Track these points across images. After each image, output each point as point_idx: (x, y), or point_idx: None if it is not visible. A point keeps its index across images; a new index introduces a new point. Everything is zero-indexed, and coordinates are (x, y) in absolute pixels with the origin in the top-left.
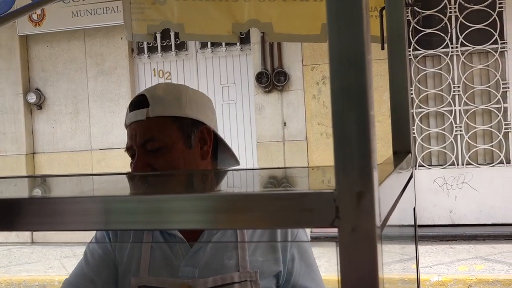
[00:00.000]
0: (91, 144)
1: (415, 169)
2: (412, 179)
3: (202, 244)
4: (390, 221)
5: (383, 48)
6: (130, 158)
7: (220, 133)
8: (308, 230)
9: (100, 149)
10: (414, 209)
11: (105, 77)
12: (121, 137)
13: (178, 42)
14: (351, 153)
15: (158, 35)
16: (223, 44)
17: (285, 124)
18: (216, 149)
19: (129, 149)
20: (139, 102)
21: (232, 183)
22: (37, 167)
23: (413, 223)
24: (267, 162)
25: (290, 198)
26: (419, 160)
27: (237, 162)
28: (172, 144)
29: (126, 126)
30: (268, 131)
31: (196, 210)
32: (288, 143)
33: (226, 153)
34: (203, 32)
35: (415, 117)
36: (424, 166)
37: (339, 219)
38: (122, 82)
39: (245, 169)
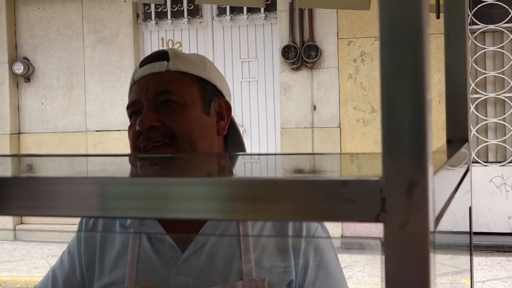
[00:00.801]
0: (86, 124)
1: None
2: (469, 173)
3: (196, 248)
4: (442, 222)
5: (438, 17)
6: (129, 139)
7: (238, 116)
8: (338, 229)
9: (97, 131)
10: (470, 209)
11: (104, 46)
12: (122, 117)
13: (191, 8)
14: (403, 135)
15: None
16: (245, 11)
17: (315, 107)
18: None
19: (133, 104)
20: (157, 55)
21: (251, 168)
22: (23, 149)
23: (467, 229)
24: (293, 152)
25: (327, 185)
26: (473, 155)
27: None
28: (190, 103)
29: (134, 82)
30: (295, 116)
31: (210, 196)
32: (318, 131)
33: (235, 142)
34: None
35: (470, 104)
36: (480, 163)
37: (385, 213)
38: (124, 53)
39: (267, 154)
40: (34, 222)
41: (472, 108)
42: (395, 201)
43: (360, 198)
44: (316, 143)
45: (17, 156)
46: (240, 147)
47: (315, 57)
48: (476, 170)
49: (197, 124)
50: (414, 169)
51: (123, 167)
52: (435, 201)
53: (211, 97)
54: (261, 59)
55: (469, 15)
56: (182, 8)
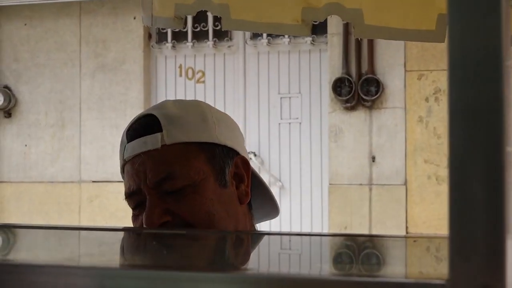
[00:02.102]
0: (81, 173)
1: None
2: None
3: None
4: None
5: None
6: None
7: (274, 168)
8: None
9: (94, 182)
10: None
11: (107, 74)
12: None
13: (218, 27)
14: (475, 220)
15: (190, 17)
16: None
17: (373, 159)
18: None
19: (133, 194)
20: (145, 125)
21: (278, 256)
22: (0, 202)
23: None
24: (344, 216)
25: None
26: None
27: (275, 210)
28: (200, 181)
29: (125, 162)
30: (348, 169)
31: None
32: (377, 188)
33: (261, 195)
34: (258, 19)
35: None
36: None
37: None
38: (132, 83)
39: (306, 234)
40: None
41: None
42: None
43: None
44: (375, 205)
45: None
46: (268, 200)
47: (376, 94)
48: None
49: (214, 204)
50: (488, 269)
51: (125, 249)
52: None
53: (223, 162)
54: (305, 95)
55: None
56: (206, 28)
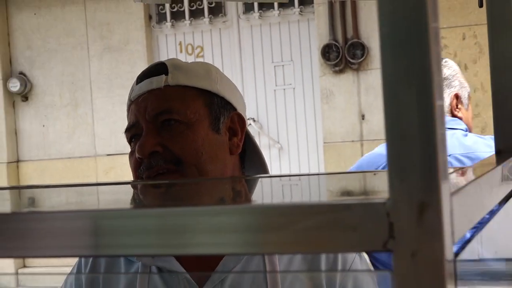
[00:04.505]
0: (96, 148)
1: None
2: None
3: (215, 284)
4: (474, 250)
5: (481, 5)
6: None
7: (272, 131)
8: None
9: (108, 155)
10: None
11: (113, 55)
12: None
13: (212, 5)
14: (410, 150)
15: None
16: (275, 6)
17: (363, 117)
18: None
19: (131, 127)
20: (154, 69)
21: (270, 194)
22: (23, 179)
23: None
24: (339, 170)
25: (324, 211)
26: None
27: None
28: (195, 121)
29: (131, 102)
30: (340, 128)
31: (199, 229)
32: (368, 144)
33: (254, 160)
34: None
35: None
36: None
37: (393, 240)
38: (136, 62)
39: (277, 176)
40: (39, 265)
41: None
42: (405, 226)
43: (363, 224)
44: None
45: (16, 189)
46: (261, 166)
47: (362, 57)
48: None
49: (204, 145)
50: (425, 188)
51: (132, 196)
52: (456, 224)
53: (220, 111)
54: (297, 62)
55: None
56: (202, 6)
